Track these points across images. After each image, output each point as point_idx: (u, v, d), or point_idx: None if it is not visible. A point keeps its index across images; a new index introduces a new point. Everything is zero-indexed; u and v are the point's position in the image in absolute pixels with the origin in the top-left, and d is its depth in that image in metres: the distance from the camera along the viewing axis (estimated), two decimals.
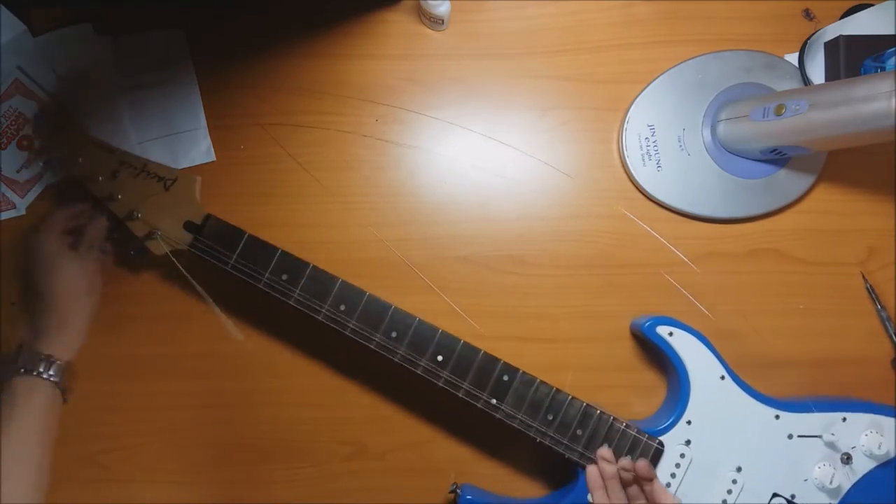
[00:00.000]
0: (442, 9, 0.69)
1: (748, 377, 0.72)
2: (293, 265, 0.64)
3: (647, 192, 0.72)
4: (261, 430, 0.72)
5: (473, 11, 0.74)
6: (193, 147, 0.72)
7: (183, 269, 0.63)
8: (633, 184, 0.73)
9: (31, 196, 0.71)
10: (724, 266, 0.73)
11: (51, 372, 0.60)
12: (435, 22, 0.72)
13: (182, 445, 0.71)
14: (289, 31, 0.73)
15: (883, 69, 0.68)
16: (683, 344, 0.66)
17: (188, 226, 0.64)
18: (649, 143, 0.72)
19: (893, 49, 0.68)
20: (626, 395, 0.72)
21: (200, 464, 0.71)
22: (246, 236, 0.63)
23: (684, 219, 0.73)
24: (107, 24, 0.72)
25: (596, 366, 0.72)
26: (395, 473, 0.71)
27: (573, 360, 0.72)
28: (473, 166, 0.73)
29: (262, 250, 0.64)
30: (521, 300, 0.72)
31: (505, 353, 0.71)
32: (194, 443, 0.71)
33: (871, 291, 0.72)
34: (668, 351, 0.66)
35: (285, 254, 0.64)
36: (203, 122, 0.72)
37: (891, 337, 0.72)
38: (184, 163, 0.72)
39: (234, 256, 0.63)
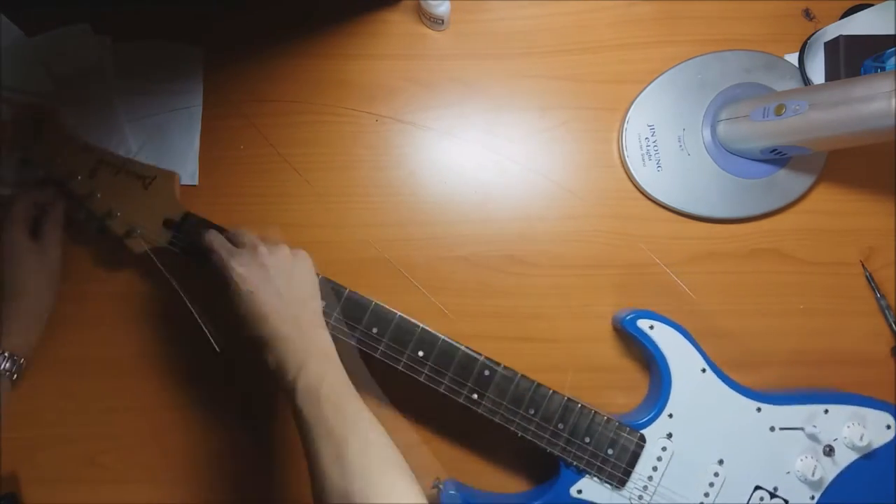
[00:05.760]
0: (442, 9, 0.69)
1: (748, 377, 0.72)
2: None
3: (646, 192, 0.72)
4: (261, 429, 0.72)
5: (473, 11, 0.74)
6: (180, 167, 0.71)
7: (165, 271, 0.63)
8: (633, 184, 0.73)
9: None
10: (724, 266, 0.73)
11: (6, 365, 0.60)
12: (435, 22, 0.72)
13: (182, 445, 0.71)
14: (288, 31, 0.73)
15: (883, 69, 0.68)
16: (664, 337, 0.66)
17: (168, 223, 0.64)
18: (649, 143, 0.72)
19: (893, 49, 0.68)
20: (627, 395, 0.72)
21: (201, 464, 0.71)
22: (226, 233, 0.63)
23: (684, 219, 0.73)
24: (105, 26, 0.72)
25: (596, 366, 0.72)
26: None
27: (573, 361, 0.72)
28: (473, 166, 0.73)
29: None
30: (520, 300, 0.72)
31: (505, 353, 0.71)
32: (195, 443, 0.71)
33: (871, 280, 0.73)
34: (648, 344, 0.66)
35: None
36: (196, 145, 0.72)
37: (890, 325, 0.73)
38: None
39: None
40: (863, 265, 0.73)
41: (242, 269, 0.56)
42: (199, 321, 0.63)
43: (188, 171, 0.72)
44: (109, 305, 0.71)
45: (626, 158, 0.72)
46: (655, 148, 0.72)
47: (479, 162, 0.73)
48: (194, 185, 0.72)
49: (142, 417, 0.71)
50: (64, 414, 0.71)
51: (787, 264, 0.73)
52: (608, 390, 0.72)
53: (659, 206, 0.73)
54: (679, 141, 0.72)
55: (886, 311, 0.73)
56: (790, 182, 0.72)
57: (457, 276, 0.72)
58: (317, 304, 0.59)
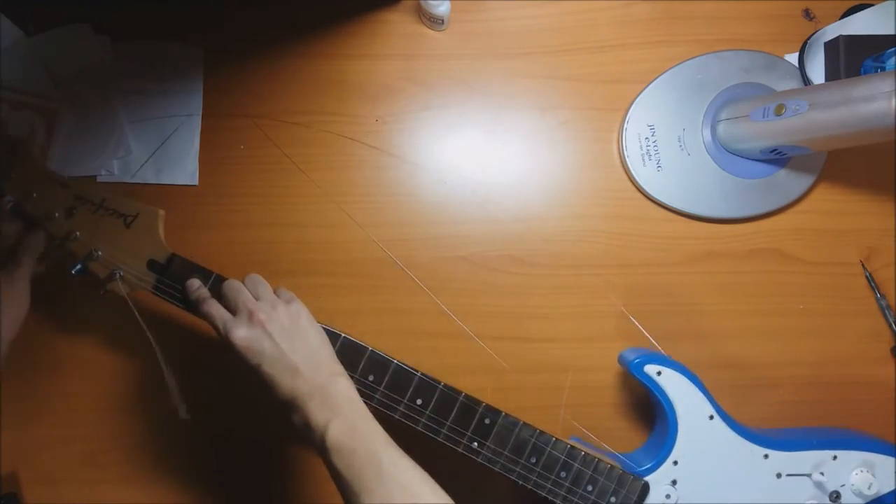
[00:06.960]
0: (442, 9, 0.69)
1: (747, 377, 0.72)
2: None
3: (646, 192, 0.72)
4: (263, 431, 0.72)
5: (473, 11, 0.74)
6: (179, 167, 0.71)
7: (143, 321, 0.60)
8: (633, 184, 0.73)
9: None
10: (723, 266, 0.73)
11: None
12: (435, 22, 0.72)
13: (182, 445, 0.71)
14: (289, 31, 0.73)
15: (883, 69, 0.68)
16: (672, 383, 0.64)
17: (152, 265, 0.60)
18: (649, 143, 0.72)
19: (893, 49, 0.68)
20: (625, 395, 0.72)
21: (201, 464, 0.71)
22: (213, 277, 0.59)
23: (684, 219, 0.73)
24: (105, 26, 0.72)
25: (595, 366, 0.72)
26: None
27: (573, 361, 0.72)
28: (473, 166, 0.73)
29: None
30: (521, 300, 0.72)
31: (505, 353, 0.71)
32: (195, 443, 0.71)
33: (871, 280, 0.73)
34: (656, 390, 0.64)
35: None
36: (196, 145, 0.72)
37: (890, 325, 0.73)
38: (166, 179, 0.71)
39: None
40: (863, 265, 0.73)
41: (244, 343, 0.54)
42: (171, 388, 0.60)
43: (188, 171, 0.72)
44: (111, 306, 0.70)
45: (626, 158, 0.72)
46: (655, 148, 0.72)
47: (479, 162, 0.73)
48: (194, 186, 0.72)
49: (142, 417, 0.71)
50: (64, 414, 0.71)
51: (787, 264, 0.73)
52: (608, 390, 0.72)
53: (659, 206, 0.73)
54: (679, 141, 0.71)
55: (886, 311, 0.73)
56: (790, 182, 0.72)
57: (457, 276, 0.72)
58: (328, 351, 0.58)
